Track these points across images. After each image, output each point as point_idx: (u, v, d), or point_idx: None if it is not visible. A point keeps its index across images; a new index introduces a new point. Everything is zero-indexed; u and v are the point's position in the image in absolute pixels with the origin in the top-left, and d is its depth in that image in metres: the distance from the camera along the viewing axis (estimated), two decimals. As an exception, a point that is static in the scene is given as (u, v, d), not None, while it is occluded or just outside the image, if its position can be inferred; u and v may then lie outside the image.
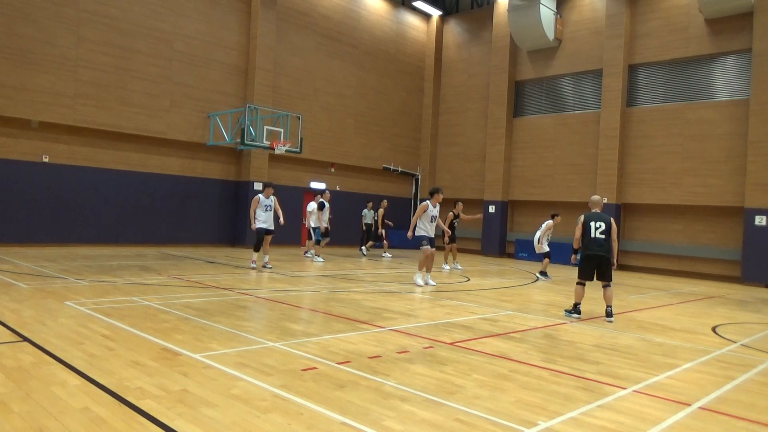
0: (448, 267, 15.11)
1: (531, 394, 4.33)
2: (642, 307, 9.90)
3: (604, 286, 7.97)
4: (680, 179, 17.64)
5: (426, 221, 10.80)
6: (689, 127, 17.58)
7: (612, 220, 8.10)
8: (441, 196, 10.98)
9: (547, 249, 13.63)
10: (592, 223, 7.95)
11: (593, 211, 8.18)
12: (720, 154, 16.92)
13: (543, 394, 4.33)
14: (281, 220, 12.42)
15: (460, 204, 15.60)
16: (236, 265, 12.73)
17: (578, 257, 8.16)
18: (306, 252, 16.14)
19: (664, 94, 18.36)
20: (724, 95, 17.12)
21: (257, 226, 12.14)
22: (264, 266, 12.15)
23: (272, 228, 12.31)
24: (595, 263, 7.91)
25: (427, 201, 10.84)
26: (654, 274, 17.50)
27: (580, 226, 8.08)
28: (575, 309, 8.09)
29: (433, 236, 10.95)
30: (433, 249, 10.88)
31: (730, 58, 17.07)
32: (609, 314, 7.94)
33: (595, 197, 8.42)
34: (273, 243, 13.38)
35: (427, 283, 10.94)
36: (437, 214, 11.00)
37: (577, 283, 8.11)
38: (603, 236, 7.86)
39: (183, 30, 16.88)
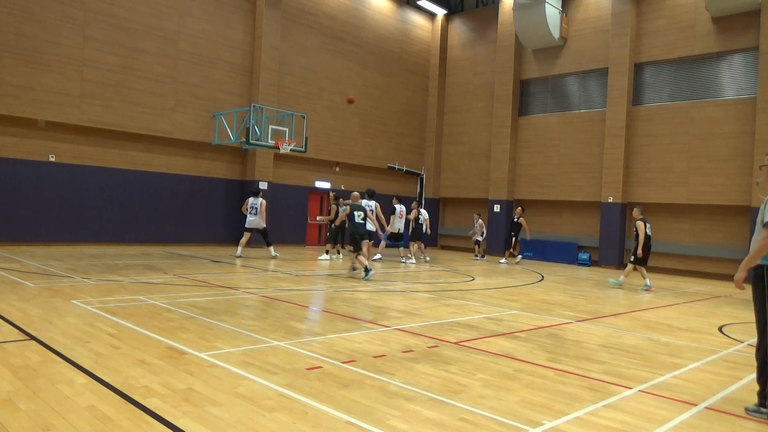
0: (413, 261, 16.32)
1: (536, 393, 4.32)
2: (648, 306, 9.87)
3: (359, 255, 11.34)
4: (686, 178, 17.55)
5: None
6: (695, 126, 17.49)
7: (366, 207, 12.23)
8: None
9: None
10: (355, 212, 11.54)
11: (355, 203, 11.86)
12: (726, 153, 16.83)
13: (548, 394, 4.32)
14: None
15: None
16: (241, 265, 12.76)
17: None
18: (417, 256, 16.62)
19: (670, 93, 18.27)
20: (731, 94, 17.02)
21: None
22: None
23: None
24: (359, 239, 11.40)
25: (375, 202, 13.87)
26: (660, 274, 17.42)
27: (345, 214, 11.65)
28: (353, 268, 11.76)
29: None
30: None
31: (736, 57, 16.97)
32: (354, 268, 11.64)
33: (355, 193, 12.18)
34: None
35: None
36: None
37: (352, 251, 11.58)
38: (362, 222, 11.55)
39: (188, 29, 16.92)
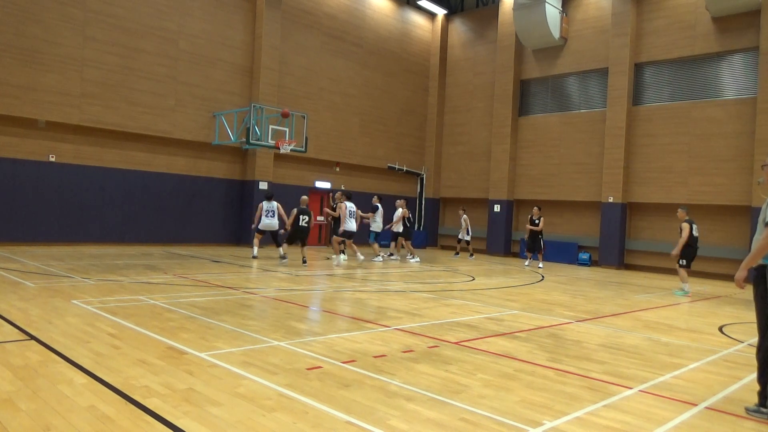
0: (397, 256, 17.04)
1: (536, 393, 4.32)
2: (648, 306, 9.87)
3: (303, 246, 13.48)
4: (686, 178, 17.55)
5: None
6: (696, 126, 17.49)
7: (311, 212, 13.65)
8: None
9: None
10: (301, 216, 13.16)
11: (301, 207, 13.44)
12: (727, 153, 16.82)
13: (548, 394, 4.32)
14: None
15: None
16: (241, 264, 12.77)
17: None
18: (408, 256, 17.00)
19: (671, 93, 18.27)
20: (731, 94, 17.02)
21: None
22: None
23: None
24: (299, 236, 13.28)
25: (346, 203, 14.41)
26: (660, 274, 17.43)
27: (293, 216, 13.13)
28: (284, 256, 13.63)
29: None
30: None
31: (737, 57, 16.97)
32: (304, 261, 13.34)
33: (304, 197, 13.94)
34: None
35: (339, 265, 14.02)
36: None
37: (288, 245, 13.60)
38: (306, 225, 13.29)
39: (188, 29, 16.92)
